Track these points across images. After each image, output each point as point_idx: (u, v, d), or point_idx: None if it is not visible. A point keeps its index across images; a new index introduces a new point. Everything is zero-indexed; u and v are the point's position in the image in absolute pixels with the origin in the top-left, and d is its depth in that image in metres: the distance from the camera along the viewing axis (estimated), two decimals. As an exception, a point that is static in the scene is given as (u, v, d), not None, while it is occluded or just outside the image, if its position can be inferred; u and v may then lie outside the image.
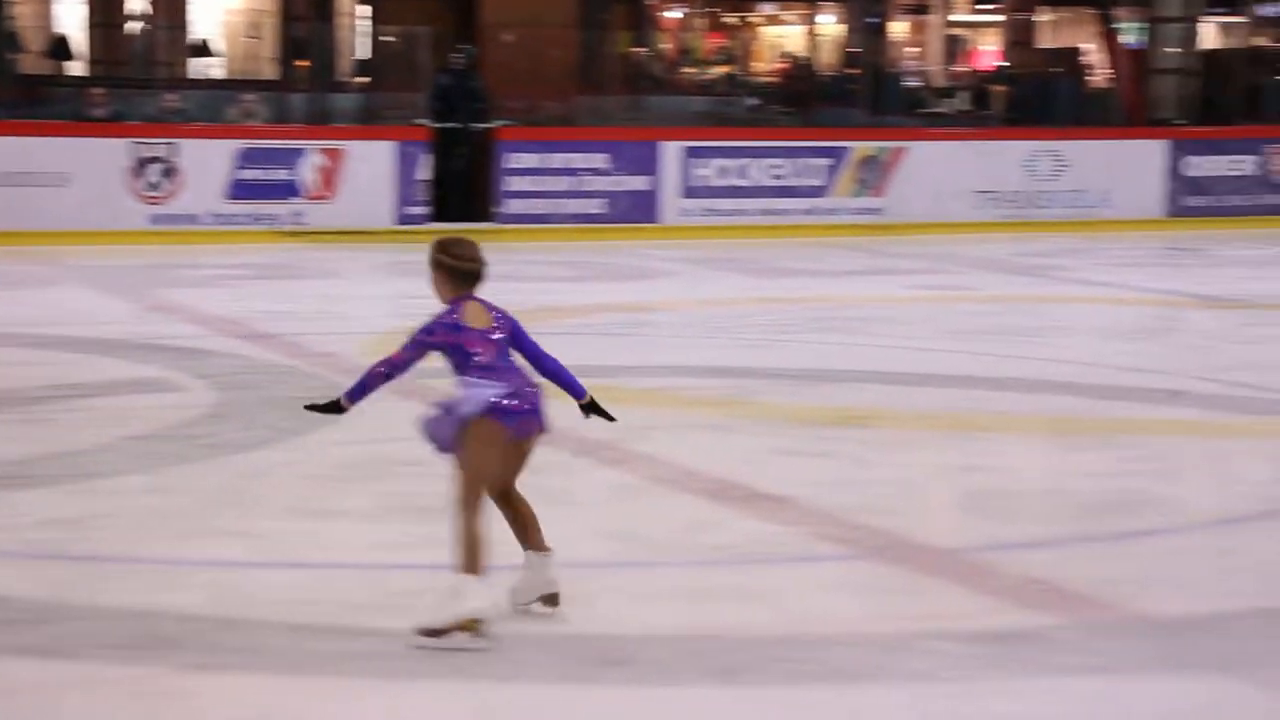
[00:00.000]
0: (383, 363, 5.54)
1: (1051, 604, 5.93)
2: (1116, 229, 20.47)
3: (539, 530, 5.69)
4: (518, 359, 5.60)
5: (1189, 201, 21.43)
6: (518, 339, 5.59)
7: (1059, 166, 20.91)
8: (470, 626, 5.37)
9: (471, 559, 5.38)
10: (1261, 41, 33.31)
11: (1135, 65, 24.54)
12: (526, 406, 5.48)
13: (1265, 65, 27.47)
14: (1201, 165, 21.49)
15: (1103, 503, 7.46)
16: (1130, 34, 26.45)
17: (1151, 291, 15.42)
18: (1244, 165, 21.67)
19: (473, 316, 5.51)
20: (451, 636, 5.36)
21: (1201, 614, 5.83)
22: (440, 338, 5.48)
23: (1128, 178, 21.19)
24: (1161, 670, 5.32)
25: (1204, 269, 17.48)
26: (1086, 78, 27.03)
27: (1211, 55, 26.70)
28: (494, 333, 5.51)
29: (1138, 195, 21.22)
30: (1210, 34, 32.11)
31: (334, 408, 5.62)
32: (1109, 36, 25.76)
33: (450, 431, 5.46)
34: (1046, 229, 20.14)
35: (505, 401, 5.45)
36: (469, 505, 5.42)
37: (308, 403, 5.85)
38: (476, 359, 5.46)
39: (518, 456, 5.56)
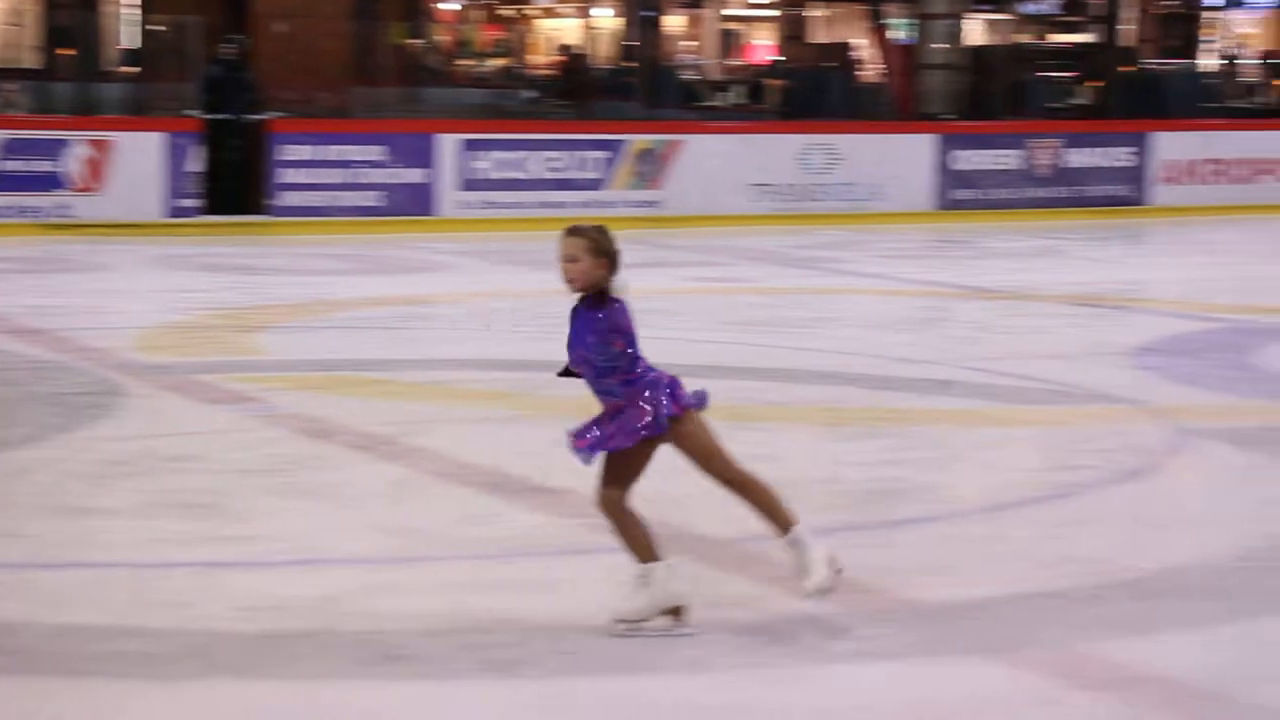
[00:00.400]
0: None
1: (823, 593, 6.03)
2: (888, 221, 20.85)
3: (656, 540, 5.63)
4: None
5: (957, 195, 21.91)
6: None
7: (832, 160, 21.24)
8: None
9: (783, 513, 5.59)
10: (1025, 38, 34.19)
11: (905, 61, 25.01)
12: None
13: (1028, 61, 28.20)
14: (969, 159, 21.99)
15: (874, 491, 7.60)
16: (900, 30, 26.95)
17: (922, 283, 15.74)
18: (1009, 160, 22.22)
19: None
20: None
21: (968, 599, 5.97)
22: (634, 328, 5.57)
23: (898, 171, 21.59)
24: (928, 655, 5.44)
25: (972, 261, 17.89)
26: (858, 73, 27.49)
27: (978, 51, 27.33)
28: None
29: (908, 188, 21.64)
30: (977, 30, 32.87)
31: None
32: (879, 32, 26.23)
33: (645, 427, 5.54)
34: (820, 221, 20.45)
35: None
36: (741, 474, 5.65)
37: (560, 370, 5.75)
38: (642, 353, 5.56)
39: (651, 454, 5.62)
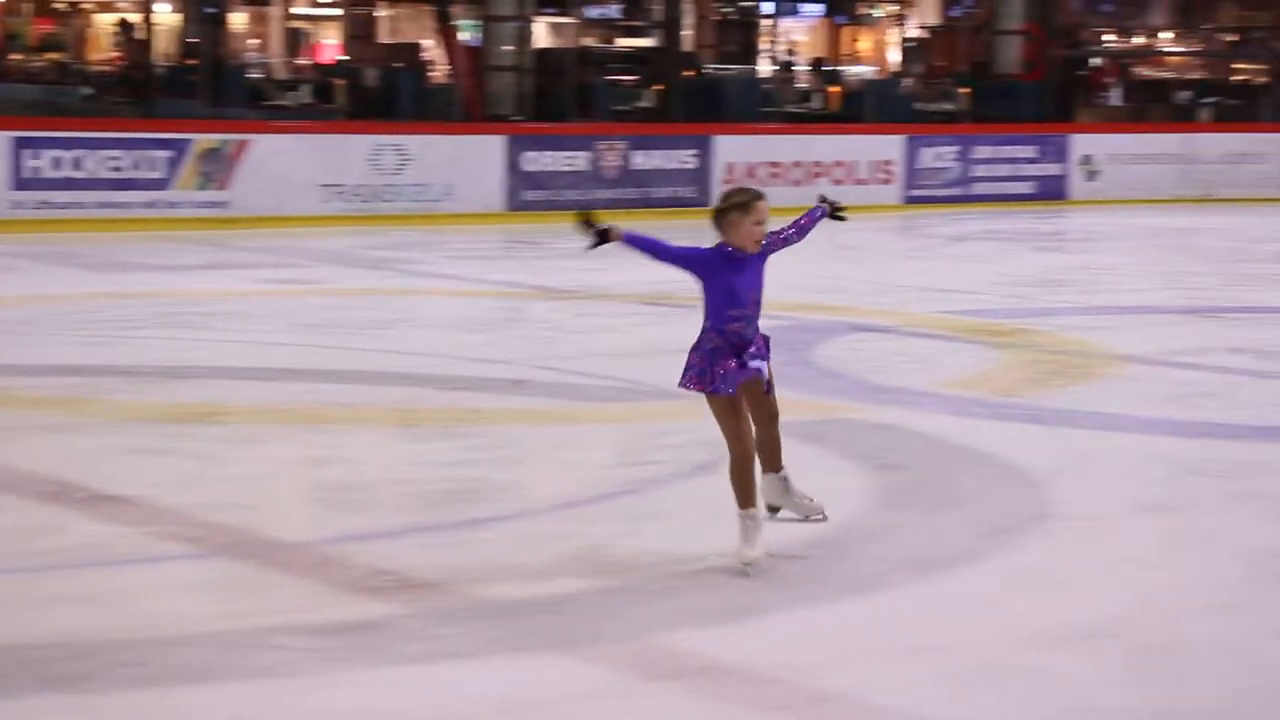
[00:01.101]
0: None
1: (398, 593, 6.02)
2: (459, 222, 20.92)
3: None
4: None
5: (527, 196, 22.11)
6: None
7: (402, 160, 21.18)
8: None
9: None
10: (590, 41, 34.77)
11: (472, 62, 25.13)
12: None
13: (594, 65, 28.68)
14: (538, 160, 22.23)
15: (449, 492, 7.62)
16: (467, 31, 27.07)
17: (494, 284, 15.84)
18: (577, 161, 22.55)
19: None
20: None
21: (544, 596, 6.04)
22: None
23: (469, 172, 21.67)
24: (502, 652, 5.48)
25: (543, 261, 18.09)
26: (428, 73, 27.51)
27: (544, 54, 27.66)
28: None
29: (479, 189, 21.74)
30: (543, 33, 33.28)
31: (603, 235, 6.40)
32: (447, 33, 26.30)
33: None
34: (392, 222, 20.38)
35: None
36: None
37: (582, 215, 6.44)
38: None
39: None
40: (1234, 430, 9.17)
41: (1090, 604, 6.07)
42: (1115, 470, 8.25)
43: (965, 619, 5.90)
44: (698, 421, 9.35)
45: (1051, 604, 6.08)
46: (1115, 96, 31.44)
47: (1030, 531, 7.07)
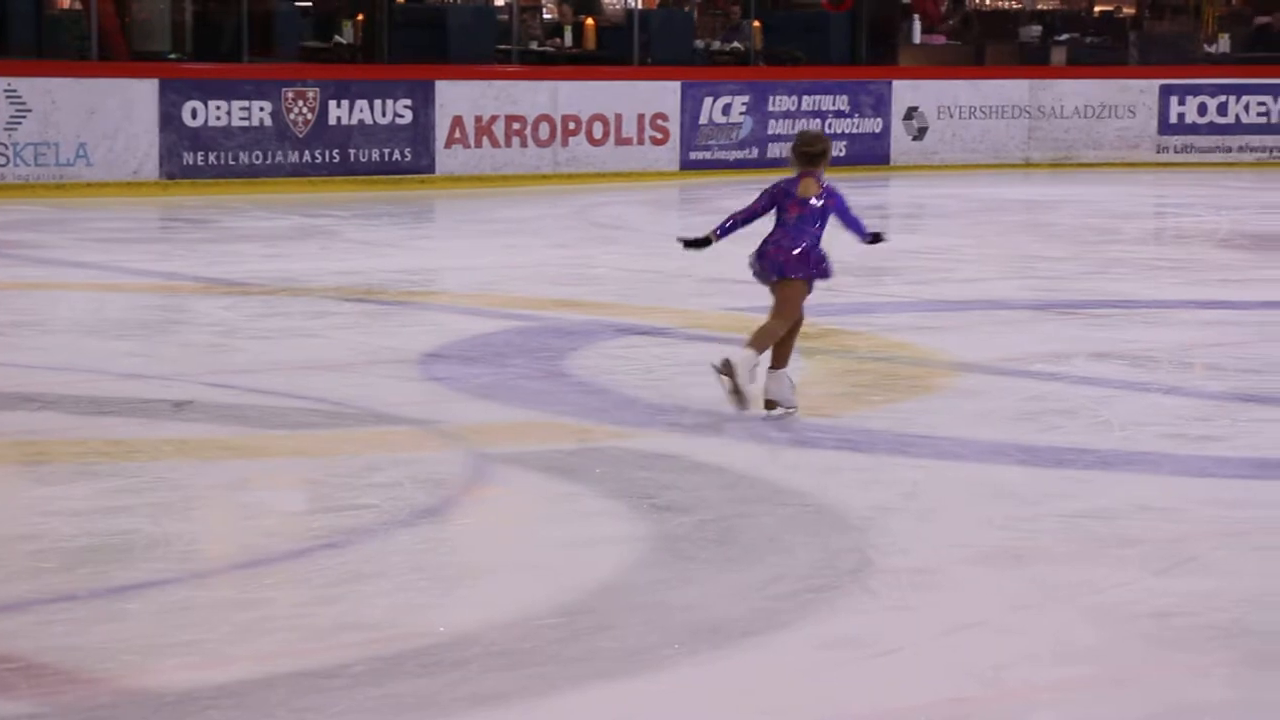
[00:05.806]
0: (743, 211, 10.09)
1: (20, 685, 5.93)
2: (99, 194, 20.64)
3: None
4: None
5: (190, 158, 21.90)
6: (837, 209, 10.09)
7: (18, 111, 20.83)
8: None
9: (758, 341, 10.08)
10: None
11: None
12: (780, 258, 10.08)
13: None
14: (200, 112, 21.99)
15: (90, 549, 7.52)
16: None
17: (146, 274, 15.66)
18: (255, 114, 22.34)
19: (804, 188, 10.01)
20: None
21: (219, 683, 5.98)
22: (772, 196, 10.07)
23: (111, 127, 21.40)
24: (170, 758, 5.43)
25: (211, 244, 17.92)
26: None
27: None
28: (811, 201, 10.03)
29: (124, 151, 21.45)
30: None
31: (703, 242, 10.23)
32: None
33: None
34: (7, 195, 20.05)
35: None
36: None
37: (681, 237, 10.40)
38: (787, 216, 10.01)
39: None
40: (1100, 458, 9.40)
41: (924, 681, 6.18)
42: (952, 509, 8.41)
43: (766, 705, 5.97)
44: (417, 453, 9.34)
45: (876, 682, 6.18)
46: (917, 32, 31.44)
47: (847, 589, 7.18)
